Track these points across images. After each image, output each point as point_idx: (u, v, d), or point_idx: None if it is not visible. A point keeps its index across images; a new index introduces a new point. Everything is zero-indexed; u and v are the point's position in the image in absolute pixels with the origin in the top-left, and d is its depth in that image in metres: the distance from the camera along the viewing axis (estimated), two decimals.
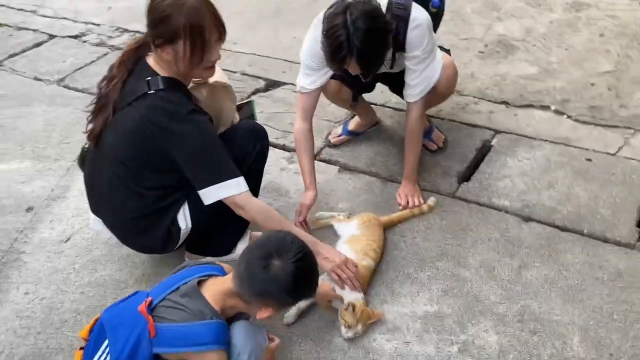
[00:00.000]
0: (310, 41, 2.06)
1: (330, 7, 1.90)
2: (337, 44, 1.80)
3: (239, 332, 1.44)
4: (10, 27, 4.35)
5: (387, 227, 2.13)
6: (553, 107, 2.65)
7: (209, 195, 1.75)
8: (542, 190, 2.21)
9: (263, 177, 2.13)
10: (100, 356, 1.43)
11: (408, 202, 2.21)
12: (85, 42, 3.95)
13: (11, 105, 3.31)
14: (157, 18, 1.67)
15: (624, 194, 2.15)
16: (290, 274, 1.35)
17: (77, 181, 2.43)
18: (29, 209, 2.49)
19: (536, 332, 1.73)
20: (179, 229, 1.88)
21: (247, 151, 1.91)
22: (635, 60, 2.90)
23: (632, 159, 2.31)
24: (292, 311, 1.83)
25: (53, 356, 1.84)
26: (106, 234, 2.02)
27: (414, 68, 2.10)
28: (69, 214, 2.43)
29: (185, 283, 1.44)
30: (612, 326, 1.72)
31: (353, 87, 2.36)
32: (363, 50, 1.79)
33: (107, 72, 1.83)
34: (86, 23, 4.27)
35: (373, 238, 2.00)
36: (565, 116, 2.60)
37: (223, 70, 3.19)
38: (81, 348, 1.54)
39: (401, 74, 2.17)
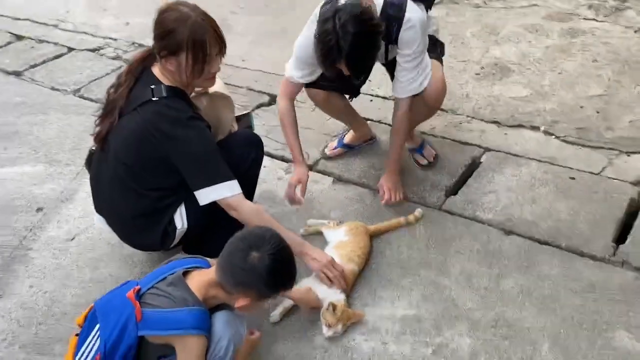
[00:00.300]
0: (305, 38, 2.17)
1: (325, 3, 2.02)
2: (327, 48, 1.92)
3: (219, 320, 1.55)
4: (32, 39, 4.57)
5: (375, 236, 2.23)
6: (542, 128, 2.75)
7: (204, 196, 1.88)
8: (525, 205, 2.31)
9: (260, 185, 2.25)
10: (91, 340, 1.54)
11: (390, 197, 2.30)
12: (102, 55, 4.14)
13: (28, 112, 3.49)
14: (163, 32, 1.82)
15: (604, 211, 2.23)
16: (268, 265, 1.46)
17: (85, 185, 2.55)
18: (39, 210, 2.63)
19: (508, 337, 1.81)
20: (175, 228, 2.00)
21: (242, 158, 2.03)
22: (625, 85, 3.00)
23: (615, 179, 2.40)
24: (277, 310, 1.94)
25: (52, 345, 1.96)
26: (108, 232, 2.16)
27: (405, 66, 2.20)
28: (76, 214, 2.57)
29: (172, 273, 1.56)
30: (581, 334, 1.80)
31: (342, 91, 2.48)
32: (352, 53, 1.90)
33: (116, 80, 1.98)
34: (104, 38, 4.47)
35: (359, 245, 2.10)
36: (553, 137, 2.69)
37: (229, 84, 3.37)
38: (77, 334, 1.64)
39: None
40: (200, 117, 1.94)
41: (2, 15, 5.20)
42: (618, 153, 2.54)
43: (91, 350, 1.53)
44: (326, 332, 1.85)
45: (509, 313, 1.89)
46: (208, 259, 1.68)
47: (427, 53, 2.24)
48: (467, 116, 2.91)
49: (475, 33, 3.69)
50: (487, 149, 2.66)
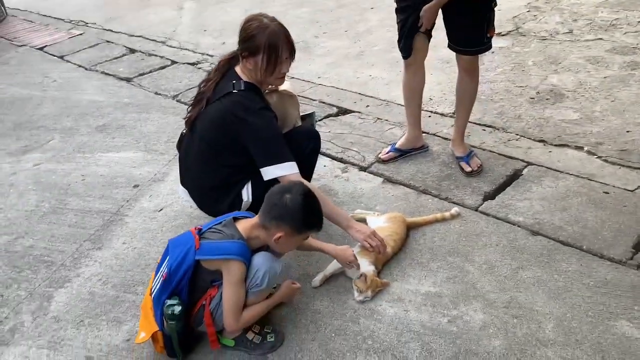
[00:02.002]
0: None
1: None
2: None
3: (258, 256, 1.93)
4: (143, 53, 5.30)
5: (412, 227, 2.51)
6: (586, 148, 2.92)
7: (268, 172, 2.27)
8: (555, 212, 2.50)
9: (319, 180, 2.60)
10: (163, 267, 1.96)
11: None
12: (199, 68, 4.74)
13: (134, 111, 4.10)
14: (245, 36, 2.26)
15: (630, 222, 2.38)
16: (299, 202, 1.86)
17: (175, 170, 3.02)
18: (136, 186, 3.15)
19: (517, 316, 2.03)
20: (242, 200, 2.40)
21: (302, 147, 2.41)
22: None
23: None
24: (318, 277, 2.27)
25: (136, 286, 2.41)
26: (188, 203, 2.60)
27: None
28: (165, 192, 3.06)
29: (226, 219, 1.99)
30: (585, 320, 1.98)
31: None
32: None
33: (206, 75, 2.45)
34: (202, 54, 5.10)
35: (396, 231, 2.40)
36: (595, 156, 2.86)
37: (306, 97, 3.83)
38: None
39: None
40: (269, 108, 2.35)
41: (121, 32, 6.04)
42: None
43: (162, 272, 1.95)
44: (357, 296, 2.16)
45: (522, 297, 2.10)
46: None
47: None
48: (517, 134, 3.14)
49: (537, 62, 3.90)
50: (530, 163, 2.87)
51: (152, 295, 1.97)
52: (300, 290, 2.15)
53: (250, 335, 2.02)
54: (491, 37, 2.64)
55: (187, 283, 1.90)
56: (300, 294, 2.20)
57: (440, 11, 2.62)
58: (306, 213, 1.88)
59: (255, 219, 1.96)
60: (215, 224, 1.98)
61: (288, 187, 1.93)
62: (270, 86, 2.44)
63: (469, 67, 2.74)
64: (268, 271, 1.91)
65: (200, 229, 1.96)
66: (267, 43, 2.21)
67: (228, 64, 2.37)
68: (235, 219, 1.99)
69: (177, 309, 1.87)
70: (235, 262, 1.87)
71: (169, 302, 1.89)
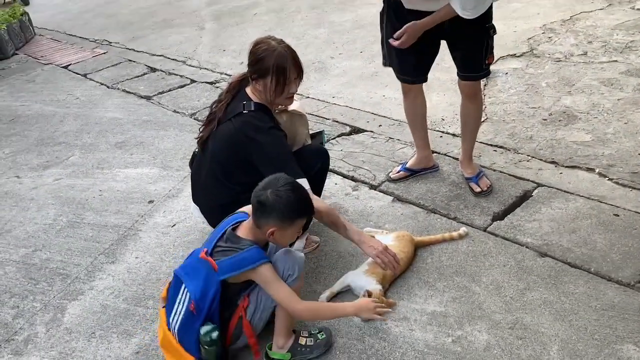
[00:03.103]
0: None
1: None
2: None
3: (279, 252, 1.99)
4: (163, 72, 5.43)
5: (419, 246, 2.53)
6: (597, 170, 2.91)
7: None
8: (564, 234, 2.49)
9: (330, 198, 2.63)
10: (181, 298, 1.97)
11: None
12: (217, 87, 4.84)
13: (152, 128, 4.21)
14: (254, 59, 2.33)
15: (639, 245, 2.37)
16: (282, 193, 1.90)
17: (189, 186, 3.09)
18: (150, 202, 3.22)
19: (522, 337, 2.03)
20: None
21: (311, 165, 2.45)
22: None
23: None
24: (325, 294, 2.30)
25: (146, 300, 2.46)
26: (200, 219, 2.66)
27: None
28: (179, 208, 3.12)
29: (224, 232, 2.00)
30: (591, 343, 1.97)
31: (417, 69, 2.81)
32: None
33: (218, 97, 2.52)
34: (221, 73, 5.21)
35: (403, 250, 2.42)
36: (607, 178, 2.84)
37: (319, 116, 3.88)
38: (163, 307, 2.07)
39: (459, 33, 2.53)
40: (279, 128, 2.40)
41: (143, 52, 6.21)
42: None
43: (183, 304, 1.94)
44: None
45: (528, 319, 2.10)
46: (245, 211, 2.10)
47: None
48: (528, 155, 3.14)
49: (551, 84, 3.91)
50: (540, 185, 2.87)
51: (175, 329, 1.97)
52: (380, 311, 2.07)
53: (302, 341, 2.05)
54: (489, 63, 2.66)
55: (217, 306, 1.91)
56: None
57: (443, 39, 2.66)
58: (291, 201, 1.91)
59: (249, 221, 1.99)
60: (217, 240, 1.99)
61: (268, 182, 1.96)
62: (280, 106, 2.50)
63: (470, 92, 2.77)
64: (294, 261, 1.98)
65: (206, 252, 1.96)
66: (276, 65, 2.27)
67: (239, 85, 2.44)
68: (234, 228, 2.02)
69: (215, 334, 1.90)
70: (262, 266, 1.90)
71: (205, 328, 1.90)
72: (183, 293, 1.96)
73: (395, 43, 2.60)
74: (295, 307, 1.92)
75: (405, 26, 2.55)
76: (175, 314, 1.98)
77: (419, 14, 2.52)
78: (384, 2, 2.69)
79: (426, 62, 2.78)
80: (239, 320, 1.98)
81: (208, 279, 1.91)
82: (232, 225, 2.02)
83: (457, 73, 2.74)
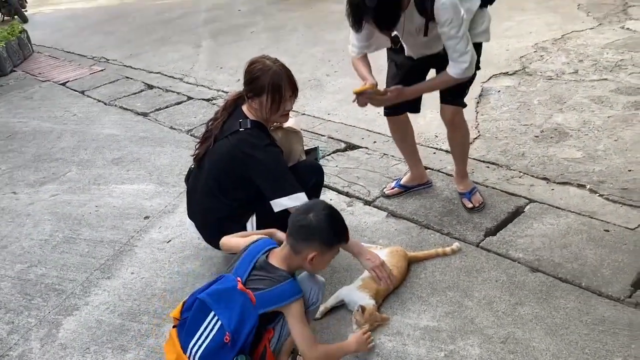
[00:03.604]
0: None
1: None
2: (354, 7, 2.30)
3: (304, 278, 2.01)
4: (160, 89, 5.49)
5: (413, 262, 2.56)
6: (588, 186, 2.95)
7: (278, 204, 2.34)
8: (555, 249, 2.53)
9: None
10: (208, 325, 1.86)
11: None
12: (214, 104, 4.89)
13: (149, 144, 4.24)
14: (250, 78, 2.37)
15: (629, 260, 2.40)
16: (323, 218, 1.91)
17: (185, 202, 3.12)
18: (146, 217, 3.24)
19: (514, 352, 2.05)
20: None
21: (306, 180, 2.48)
22: None
23: None
24: (320, 309, 2.31)
25: (141, 315, 2.47)
26: (195, 235, 2.68)
27: (447, 44, 2.44)
28: (174, 223, 3.14)
29: (257, 260, 1.97)
30: (582, 357, 1.99)
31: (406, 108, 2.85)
32: (375, 9, 2.23)
33: (214, 114, 2.56)
34: (218, 90, 5.26)
35: (396, 265, 2.44)
36: (597, 194, 2.89)
37: (315, 132, 3.92)
38: (174, 326, 1.97)
39: (442, 61, 2.55)
40: (275, 144, 2.44)
41: (140, 69, 6.27)
42: None
43: (211, 332, 1.85)
44: (355, 329, 2.19)
45: (519, 333, 2.12)
46: (265, 236, 2.11)
47: (469, 41, 2.46)
48: (520, 172, 3.18)
49: (542, 101, 3.97)
50: (532, 200, 2.91)
51: (196, 356, 1.86)
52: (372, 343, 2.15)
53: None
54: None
55: (252, 338, 1.88)
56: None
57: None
58: (333, 226, 1.94)
59: (285, 249, 1.97)
60: (251, 269, 1.95)
61: (309, 207, 1.97)
62: (275, 123, 2.54)
63: (451, 118, 2.80)
64: (319, 287, 2.02)
65: (242, 281, 1.91)
66: (271, 84, 2.32)
67: (235, 103, 2.48)
68: (266, 256, 2.00)
69: None
70: (297, 301, 1.90)
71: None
72: (211, 321, 1.88)
73: (355, 102, 2.63)
74: (311, 353, 1.91)
75: (393, 88, 2.63)
76: (198, 340, 1.88)
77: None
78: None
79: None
80: (263, 350, 1.95)
81: (245, 311, 1.86)
82: (264, 252, 2.00)
83: (441, 98, 2.78)
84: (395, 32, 2.59)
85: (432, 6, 2.35)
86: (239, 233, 2.27)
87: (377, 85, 2.55)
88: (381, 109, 2.93)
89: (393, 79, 2.82)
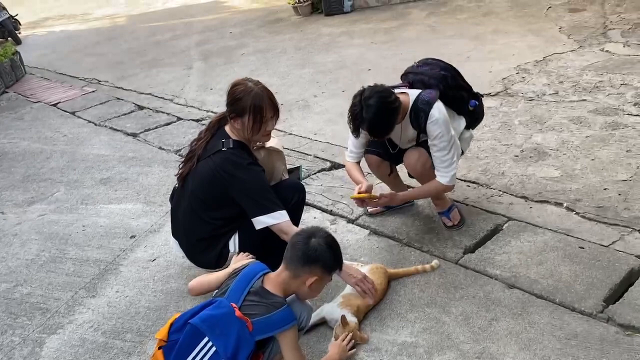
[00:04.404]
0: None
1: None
2: (354, 116, 2.51)
3: (294, 301, 2.04)
4: (151, 109, 5.56)
5: (393, 278, 2.61)
6: (565, 204, 3.02)
7: (260, 222, 2.39)
8: (532, 266, 2.58)
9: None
10: (201, 350, 1.86)
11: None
12: (203, 124, 4.93)
13: (137, 164, 4.30)
14: (232, 99, 2.45)
15: (602, 276, 2.46)
16: (326, 244, 1.97)
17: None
18: (132, 237, 3.28)
19: None
20: (229, 251, 2.53)
21: (287, 198, 2.54)
22: None
23: (621, 251, 2.60)
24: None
25: (124, 333, 2.50)
26: (179, 253, 2.72)
27: (436, 155, 2.68)
28: (160, 242, 3.18)
29: (252, 286, 1.99)
30: None
31: (390, 160, 2.96)
32: (371, 120, 2.47)
33: (198, 135, 2.62)
34: (207, 111, 5.34)
35: (377, 282, 2.48)
36: (574, 212, 2.96)
37: (301, 152, 3.98)
38: (159, 347, 1.93)
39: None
40: (257, 164, 2.50)
41: (131, 90, 6.35)
42: (631, 230, 2.75)
43: (204, 357, 1.85)
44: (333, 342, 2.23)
45: (494, 348, 2.16)
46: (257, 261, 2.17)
47: (456, 153, 2.72)
48: (500, 190, 3.26)
49: (523, 122, 4.06)
50: (511, 218, 2.97)
51: None
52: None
53: None
54: None
55: None
56: None
57: None
58: (334, 252, 2.01)
59: (282, 274, 2.00)
60: (245, 295, 1.97)
61: (310, 233, 2.02)
62: (257, 143, 2.61)
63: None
64: (308, 312, 2.08)
65: (238, 308, 1.92)
66: (252, 105, 2.39)
67: (218, 124, 2.55)
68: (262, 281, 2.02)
69: None
70: (292, 328, 1.94)
71: None
72: (204, 347, 1.88)
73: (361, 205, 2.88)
74: None
75: (387, 193, 2.84)
76: None
77: None
78: None
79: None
80: None
81: (242, 338, 1.87)
82: (259, 277, 2.02)
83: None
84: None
85: (425, 122, 2.61)
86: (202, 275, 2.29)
87: (372, 187, 2.75)
88: None
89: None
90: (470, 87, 2.96)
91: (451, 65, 2.91)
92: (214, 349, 1.86)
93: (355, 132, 2.59)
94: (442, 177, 2.72)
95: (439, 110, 2.64)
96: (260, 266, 2.10)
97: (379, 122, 2.48)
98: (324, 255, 1.97)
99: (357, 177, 2.79)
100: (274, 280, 2.01)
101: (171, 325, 1.98)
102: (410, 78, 2.85)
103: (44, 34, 11.66)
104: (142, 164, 4.29)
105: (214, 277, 2.17)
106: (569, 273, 2.51)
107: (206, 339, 1.87)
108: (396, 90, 2.64)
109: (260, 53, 7.31)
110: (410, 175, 2.97)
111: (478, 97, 2.96)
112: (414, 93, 2.69)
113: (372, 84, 2.56)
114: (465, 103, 2.87)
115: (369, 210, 3.17)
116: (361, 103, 2.46)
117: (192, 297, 2.59)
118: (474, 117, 2.96)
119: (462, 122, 2.88)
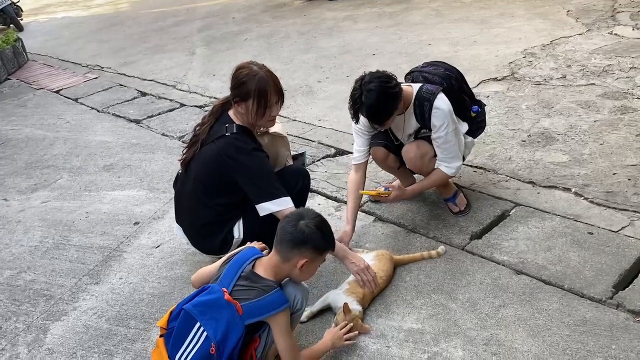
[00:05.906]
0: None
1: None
2: (354, 100, 2.46)
3: (288, 284, 2.00)
4: (153, 96, 5.52)
5: (399, 265, 2.58)
6: (573, 190, 2.98)
7: (264, 208, 2.36)
8: (540, 252, 2.55)
9: None
10: (194, 336, 1.87)
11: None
12: (206, 111, 4.85)
13: (141, 151, 4.27)
14: (237, 83, 2.40)
15: (612, 262, 2.42)
16: (315, 225, 1.93)
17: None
18: (136, 223, 3.26)
19: (496, 353, 2.06)
20: (233, 237, 2.50)
21: (291, 185, 2.51)
22: None
23: (631, 237, 2.57)
24: (305, 313, 2.32)
25: (128, 320, 2.49)
26: (183, 240, 2.70)
27: (442, 147, 2.65)
28: (163, 229, 3.16)
29: (243, 270, 1.97)
30: (563, 358, 2.00)
31: (396, 154, 2.92)
32: (370, 105, 2.43)
33: (201, 120, 2.58)
34: (210, 97, 5.29)
35: (382, 268, 2.46)
36: (582, 198, 2.91)
37: (306, 138, 3.95)
38: (161, 335, 1.98)
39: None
40: (261, 149, 2.47)
41: (134, 76, 6.31)
42: None
43: (197, 343, 1.86)
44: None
45: (502, 335, 2.14)
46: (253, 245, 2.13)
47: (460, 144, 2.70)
48: (506, 176, 3.21)
49: (530, 106, 4.01)
50: (518, 204, 2.93)
51: None
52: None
53: None
54: None
55: (239, 349, 1.89)
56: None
57: None
58: (323, 233, 1.96)
59: (273, 257, 1.98)
60: (236, 280, 1.96)
61: (298, 215, 1.98)
62: (262, 128, 2.57)
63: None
64: (303, 294, 2.02)
65: (229, 292, 1.92)
66: (257, 89, 2.35)
67: (221, 108, 2.51)
68: (252, 266, 2.00)
69: None
70: (283, 311, 1.92)
71: None
72: (197, 332, 1.88)
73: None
74: None
75: (396, 187, 2.70)
76: (185, 351, 1.89)
77: None
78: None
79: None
80: (250, 358, 1.95)
81: (232, 322, 1.87)
82: (250, 262, 2.00)
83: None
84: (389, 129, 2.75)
85: (430, 112, 2.58)
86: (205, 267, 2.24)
87: (352, 234, 2.72)
88: None
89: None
90: (473, 94, 2.92)
91: (456, 69, 2.86)
92: (205, 333, 1.87)
93: (355, 117, 2.54)
94: (447, 169, 2.69)
95: (443, 100, 2.60)
96: (253, 251, 2.08)
97: (378, 107, 2.44)
98: (313, 237, 1.93)
99: (347, 215, 2.74)
100: (266, 265, 1.99)
101: (171, 313, 1.99)
102: (414, 76, 2.82)
103: (46, 21, 11.59)
104: (145, 151, 4.25)
105: (212, 266, 2.15)
106: (578, 259, 2.48)
107: (198, 324, 1.88)
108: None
109: (263, 38, 7.24)
110: (410, 170, 2.92)
111: (481, 104, 2.91)
112: (417, 85, 2.66)
113: (374, 70, 2.51)
114: (468, 109, 2.83)
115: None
116: (361, 88, 2.42)
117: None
118: (476, 125, 2.90)
119: (464, 127, 2.83)
